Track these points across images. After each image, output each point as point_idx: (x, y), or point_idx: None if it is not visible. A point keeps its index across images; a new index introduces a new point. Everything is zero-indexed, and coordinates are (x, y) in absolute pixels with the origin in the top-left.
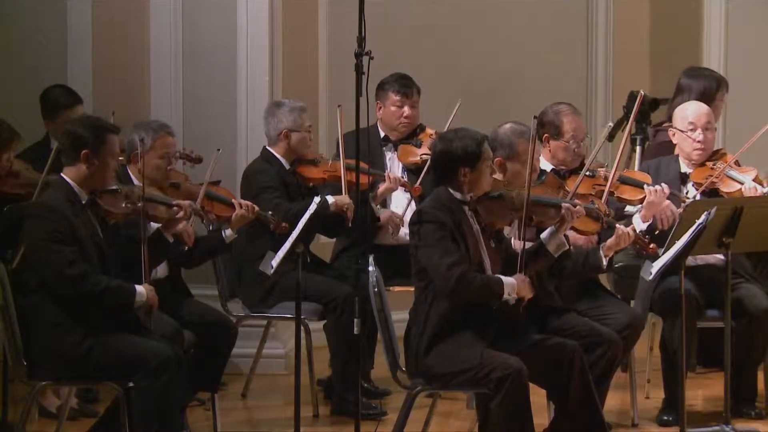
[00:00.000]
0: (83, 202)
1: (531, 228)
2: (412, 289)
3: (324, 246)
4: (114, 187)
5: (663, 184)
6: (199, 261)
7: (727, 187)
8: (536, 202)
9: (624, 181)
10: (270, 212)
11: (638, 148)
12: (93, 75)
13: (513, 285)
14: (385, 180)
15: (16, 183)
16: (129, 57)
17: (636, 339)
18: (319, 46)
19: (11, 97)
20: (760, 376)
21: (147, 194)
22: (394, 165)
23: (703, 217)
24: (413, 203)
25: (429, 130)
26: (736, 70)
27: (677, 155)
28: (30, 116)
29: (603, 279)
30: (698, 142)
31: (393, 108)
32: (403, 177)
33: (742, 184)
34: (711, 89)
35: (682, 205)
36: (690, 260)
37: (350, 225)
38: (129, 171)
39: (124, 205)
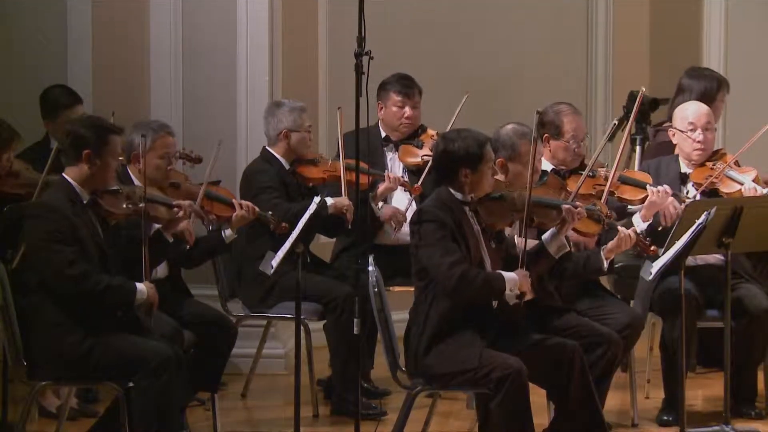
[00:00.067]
0: (84, 202)
1: (532, 228)
2: (412, 289)
3: (324, 246)
4: (115, 188)
5: (666, 186)
6: (199, 261)
7: (726, 188)
8: (537, 203)
9: (624, 181)
10: (270, 212)
11: (638, 148)
12: (93, 75)
13: (515, 280)
14: (384, 180)
15: (16, 183)
16: (129, 57)
17: (636, 339)
18: (318, 46)
19: (11, 97)
20: (760, 376)
21: (148, 195)
22: (394, 165)
23: (702, 217)
24: (414, 203)
25: (430, 131)
26: (736, 70)
27: (677, 155)
28: (30, 116)
29: (603, 279)
30: (698, 142)
31: (394, 108)
32: (403, 177)
33: (741, 184)
34: (711, 90)
35: (682, 204)
36: (690, 260)
37: (350, 226)
38: (129, 171)
39: (125, 205)
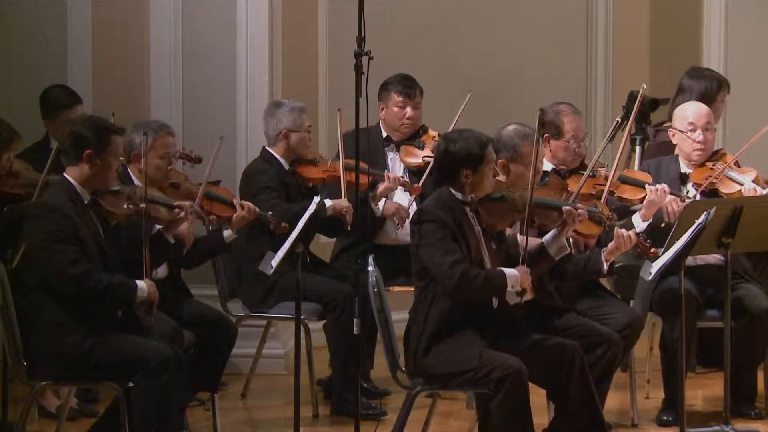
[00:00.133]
0: (85, 203)
1: (533, 228)
2: (412, 289)
3: (324, 246)
4: (116, 188)
5: (664, 185)
6: (199, 261)
7: (726, 188)
8: (538, 204)
9: (624, 180)
10: (270, 212)
11: (638, 148)
12: (93, 75)
13: (516, 277)
14: (384, 180)
15: (16, 183)
16: (129, 57)
17: (636, 339)
18: (318, 46)
19: (11, 97)
20: (760, 376)
21: (149, 195)
22: (395, 165)
23: (702, 217)
24: (414, 203)
25: (432, 132)
26: (736, 70)
27: (677, 155)
28: (30, 116)
29: (603, 279)
30: (698, 142)
31: (395, 109)
32: (403, 177)
33: (741, 185)
34: (712, 90)
35: (683, 203)
36: (690, 260)
37: (349, 228)
38: (129, 171)
39: (125, 206)
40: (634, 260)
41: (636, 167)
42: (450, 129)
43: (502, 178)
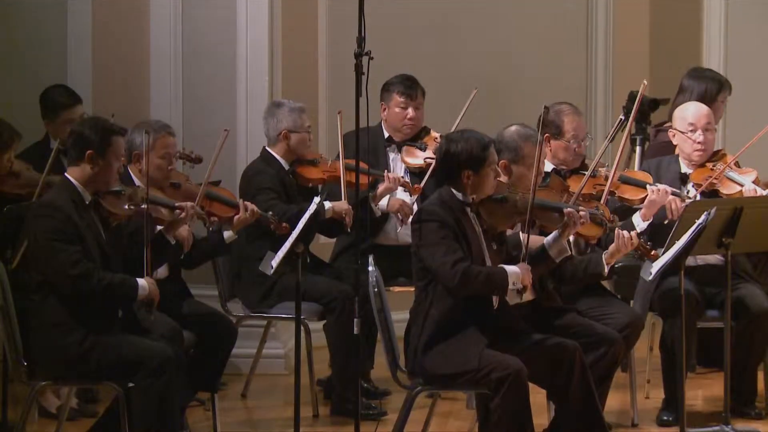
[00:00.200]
0: (87, 203)
1: (534, 228)
2: (413, 289)
3: (324, 246)
4: (117, 189)
5: (665, 185)
6: (199, 262)
7: (727, 189)
8: (540, 206)
9: (625, 180)
10: (270, 213)
11: (638, 148)
12: (93, 75)
13: (517, 274)
14: (384, 180)
15: (16, 183)
16: (129, 57)
17: (636, 339)
18: (318, 46)
19: (11, 97)
20: (760, 376)
21: (150, 196)
22: (397, 166)
23: (703, 217)
24: (415, 204)
25: (434, 133)
26: (736, 71)
27: (677, 155)
28: (30, 116)
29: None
30: (698, 143)
31: (397, 109)
32: (403, 178)
33: (742, 186)
34: (711, 91)
35: (684, 202)
36: (690, 260)
37: (349, 230)
38: (130, 171)
39: (127, 206)
40: (634, 261)
41: (636, 167)
42: (454, 126)
43: (503, 179)
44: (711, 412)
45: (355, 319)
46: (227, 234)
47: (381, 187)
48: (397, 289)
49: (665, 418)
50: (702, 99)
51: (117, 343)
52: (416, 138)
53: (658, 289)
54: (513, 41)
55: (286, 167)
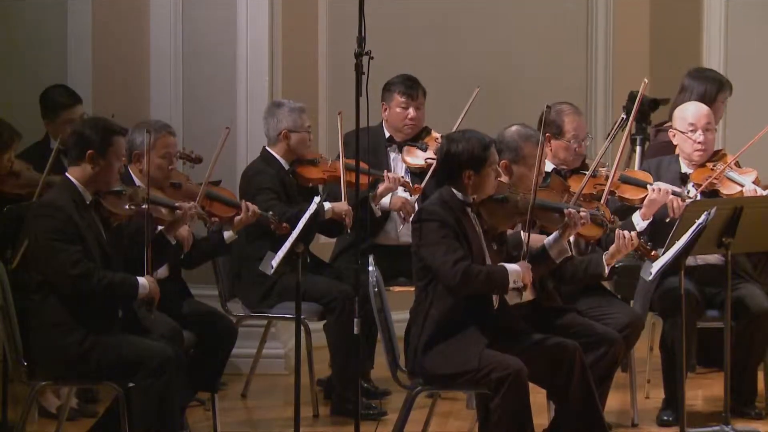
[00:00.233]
0: (87, 203)
1: (535, 229)
2: (413, 289)
3: (324, 246)
4: (118, 189)
5: (666, 184)
6: (199, 262)
7: (727, 190)
8: (541, 207)
9: (625, 180)
10: (270, 213)
11: (638, 148)
12: (93, 75)
13: (518, 272)
14: (384, 180)
15: (16, 183)
16: (129, 57)
17: (636, 339)
18: (318, 46)
19: (11, 97)
20: (760, 376)
21: (151, 196)
22: (397, 166)
23: (703, 217)
24: (416, 203)
25: (435, 134)
26: (736, 71)
27: (678, 155)
28: (30, 116)
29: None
30: (699, 143)
31: (398, 109)
32: (403, 178)
33: (742, 186)
34: (711, 92)
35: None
36: (690, 260)
37: (349, 231)
38: (130, 171)
39: (127, 206)
40: (634, 261)
41: (636, 167)
42: (456, 125)
43: (504, 179)
44: (711, 412)
45: (355, 319)
46: (227, 234)
47: (381, 187)
48: (397, 289)
49: (665, 418)
50: (702, 99)
51: (117, 343)
52: (417, 138)
53: (658, 289)
54: (513, 41)
55: (286, 167)
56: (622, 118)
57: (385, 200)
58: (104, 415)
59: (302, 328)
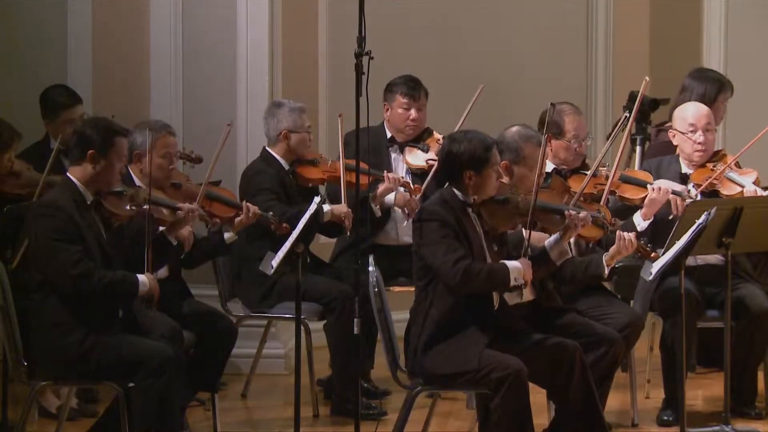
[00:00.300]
0: (88, 203)
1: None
2: (413, 289)
3: (324, 246)
4: (119, 189)
5: (666, 182)
6: (200, 261)
7: (727, 190)
8: (542, 208)
9: (626, 180)
10: (270, 213)
11: (638, 148)
12: (93, 75)
13: (519, 269)
14: (384, 180)
15: (17, 183)
16: (129, 57)
17: (636, 339)
18: (318, 46)
19: (11, 97)
20: (760, 376)
21: (152, 197)
22: (398, 166)
23: (703, 217)
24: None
25: (436, 135)
26: (736, 71)
27: (678, 155)
28: (30, 116)
29: None
30: (699, 143)
31: (400, 110)
32: (403, 178)
33: (742, 187)
34: (711, 92)
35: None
36: (690, 260)
37: (348, 233)
38: (130, 170)
39: (128, 207)
40: (634, 261)
41: (636, 167)
42: (459, 124)
43: (505, 179)
44: (711, 412)
45: (355, 319)
46: (227, 235)
47: (381, 188)
48: (397, 289)
49: (665, 418)
50: (702, 99)
51: (117, 343)
52: (419, 139)
53: (658, 289)
54: (513, 41)
55: (286, 167)
56: (626, 116)
57: (390, 197)
58: (104, 415)
59: (302, 328)
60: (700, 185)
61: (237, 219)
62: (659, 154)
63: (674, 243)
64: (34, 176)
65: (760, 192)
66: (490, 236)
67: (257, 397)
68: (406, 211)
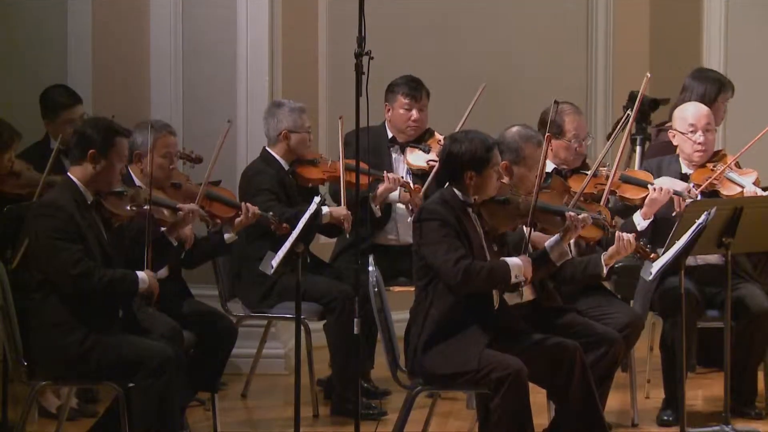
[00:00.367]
0: (88, 203)
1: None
2: (413, 289)
3: (324, 246)
4: (120, 189)
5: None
6: (200, 261)
7: (727, 190)
8: (542, 209)
9: (626, 180)
10: (270, 213)
11: (638, 148)
12: (93, 75)
13: (519, 266)
14: (384, 180)
15: (17, 183)
16: (129, 57)
17: (636, 339)
18: (318, 46)
19: (11, 97)
20: (760, 376)
21: (152, 198)
22: (399, 166)
23: (703, 217)
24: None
25: (437, 136)
26: (736, 71)
27: (678, 155)
28: (30, 116)
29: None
30: (699, 143)
31: (401, 111)
32: (403, 178)
33: (742, 187)
34: (711, 93)
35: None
36: (690, 260)
37: (348, 236)
38: (130, 170)
39: (129, 207)
40: (634, 261)
41: (636, 167)
42: (461, 123)
43: (505, 180)
44: (711, 412)
45: (355, 319)
46: (227, 235)
47: (381, 188)
48: (397, 289)
49: (665, 418)
50: (702, 100)
51: (117, 343)
52: (420, 140)
53: (658, 289)
54: (513, 41)
55: (286, 167)
56: (627, 114)
57: (394, 194)
58: (104, 415)
59: (302, 328)
60: (700, 185)
61: (237, 219)
62: (659, 154)
63: (674, 243)
64: (34, 176)
65: (760, 192)
66: (490, 236)
67: (257, 397)
68: (411, 207)
